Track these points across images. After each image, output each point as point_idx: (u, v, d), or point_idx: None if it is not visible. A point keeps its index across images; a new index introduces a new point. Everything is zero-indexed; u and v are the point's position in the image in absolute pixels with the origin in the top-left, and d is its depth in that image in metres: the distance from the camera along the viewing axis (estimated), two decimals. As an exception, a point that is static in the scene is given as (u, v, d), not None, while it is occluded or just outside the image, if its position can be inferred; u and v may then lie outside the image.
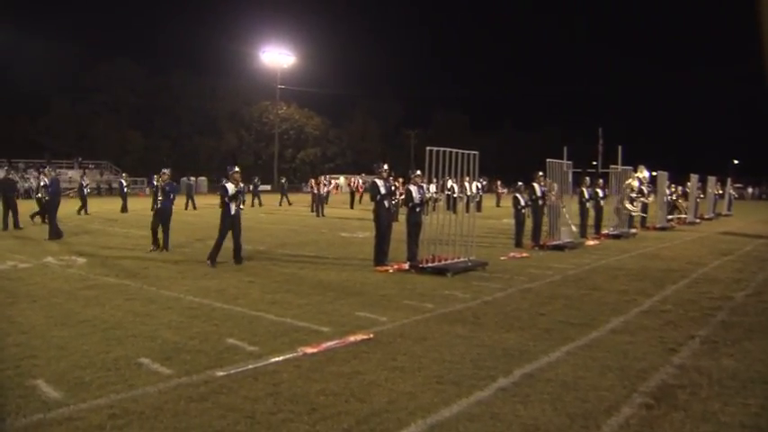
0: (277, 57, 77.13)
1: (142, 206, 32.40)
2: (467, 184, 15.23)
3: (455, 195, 15.91)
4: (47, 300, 9.36)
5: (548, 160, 17.53)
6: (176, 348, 6.72)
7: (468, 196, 15.54)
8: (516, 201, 17.15)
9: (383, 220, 13.31)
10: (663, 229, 23.77)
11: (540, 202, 17.42)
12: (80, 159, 66.57)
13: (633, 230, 21.20)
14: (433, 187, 14.04)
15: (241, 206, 13.30)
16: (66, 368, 6.04)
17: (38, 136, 72.81)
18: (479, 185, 29.76)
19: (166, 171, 15.80)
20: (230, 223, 13.14)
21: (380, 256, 13.21)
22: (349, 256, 14.65)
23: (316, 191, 31.66)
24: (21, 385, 5.56)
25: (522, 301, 9.56)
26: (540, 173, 17.59)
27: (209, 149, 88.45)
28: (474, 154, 13.27)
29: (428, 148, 12.37)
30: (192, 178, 43.49)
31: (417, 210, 13.27)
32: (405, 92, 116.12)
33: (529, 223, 17.21)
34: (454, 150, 12.77)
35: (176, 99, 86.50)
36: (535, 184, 17.47)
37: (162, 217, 15.26)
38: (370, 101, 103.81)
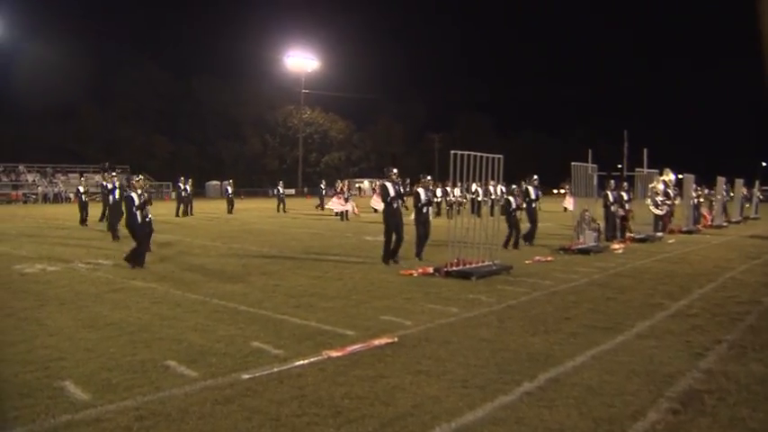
0: (301, 61, 77.67)
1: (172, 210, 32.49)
2: (491, 188, 15.22)
3: (480, 199, 15.92)
4: (74, 303, 9.47)
5: (572, 163, 17.45)
6: (202, 351, 6.77)
7: (492, 200, 15.49)
8: (508, 203, 16.98)
9: (392, 221, 13.87)
10: (689, 232, 23.53)
11: (534, 204, 17.50)
12: (107, 164, 67.22)
13: (659, 234, 21.02)
14: (457, 191, 14.08)
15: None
16: (94, 370, 6.11)
17: (66, 141, 73.62)
18: (504, 189, 29.72)
19: (141, 177, 15.78)
20: (143, 229, 13.44)
21: (387, 254, 13.94)
22: (373, 259, 14.64)
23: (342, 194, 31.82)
24: (49, 386, 5.63)
25: (547, 305, 9.51)
26: (535, 176, 17.56)
27: (233, 154, 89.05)
28: (498, 157, 13.25)
29: (452, 151, 12.38)
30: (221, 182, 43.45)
31: (424, 210, 14.39)
32: (429, 96, 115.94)
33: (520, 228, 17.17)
34: (478, 154, 12.76)
35: (201, 104, 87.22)
36: (530, 187, 17.48)
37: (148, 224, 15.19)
38: (395, 105, 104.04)
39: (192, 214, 31.82)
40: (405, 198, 14.99)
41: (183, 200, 32.04)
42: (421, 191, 14.43)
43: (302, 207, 40.11)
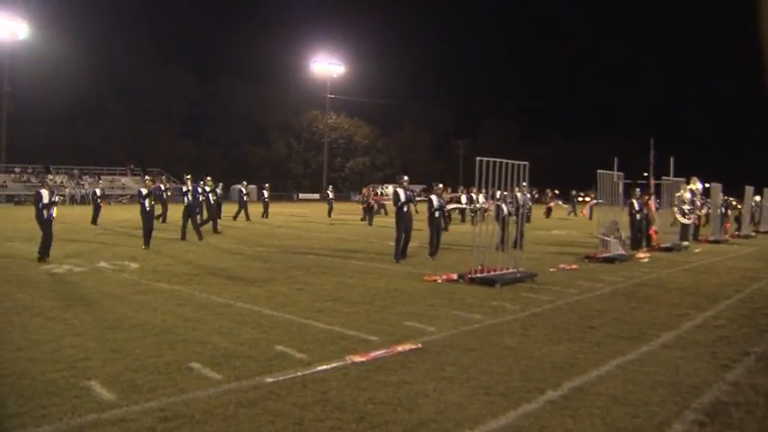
0: (327, 66, 78.07)
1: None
2: (517, 195, 15.32)
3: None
4: (100, 303, 9.57)
5: (598, 171, 17.36)
6: (226, 354, 6.81)
7: (517, 207, 15.52)
8: (499, 209, 16.94)
9: (402, 224, 15.41)
10: (716, 242, 23.30)
11: (522, 210, 17.58)
12: (132, 167, 67.77)
13: (685, 243, 20.84)
14: (482, 197, 14.08)
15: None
16: (120, 370, 6.17)
17: (93, 143, 74.26)
18: (528, 196, 29.66)
19: (148, 178, 18.84)
20: (45, 223, 14.42)
21: (398, 253, 15.45)
22: (397, 265, 14.66)
23: (367, 200, 31.89)
24: (76, 386, 5.70)
25: (571, 314, 9.46)
26: (524, 182, 17.59)
27: (258, 158, 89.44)
28: (524, 164, 13.23)
29: (478, 158, 12.37)
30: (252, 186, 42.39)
31: (437, 215, 16.04)
32: (455, 102, 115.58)
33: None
34: (504, 161, 12.73)
35: (227, 107, 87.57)
36: (518, 194, 17.51)
37: (150, 218, 17.63)
38: (420, 111, 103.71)
39: (248, 219, 31.10)
40: (415, 203, 16.28)
41: (245, 204, 31.30)
42: (433, 197, 16.13)
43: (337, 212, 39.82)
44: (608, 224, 17.24)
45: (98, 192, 28.06)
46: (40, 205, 14.37)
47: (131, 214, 28.43)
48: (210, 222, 23.11)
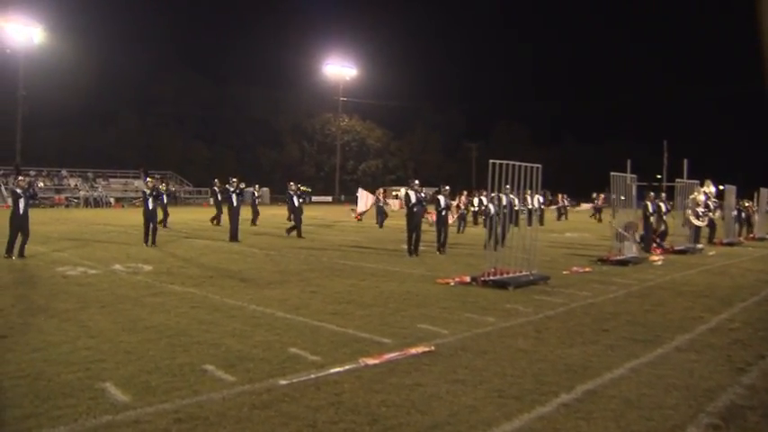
0: (339, 69, 78.23)
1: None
2: (528, 198, 15.38)
3: (517, 208, 16.03)
4: (114, 306, 9.61)
5: (612, 173, 17.30)
6: (240, 356, 6.83)
7: (530, 209, 15.54)
8: (488, 210, 17.06)
9: (412, 223, 17.14)
10: (730, 244, 23.17)
11: (506, 211, 17.68)
12: (144, 170, 67.91)
13: (699, 246, 20.73)
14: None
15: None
16: (134, 372, 6.20)
17: (107, 146, 74.54)
18: (541, 199, 29.65)
19: (150, 179, 20.26)
20: (16, 221, 15.16)
21: (410, 249, 17.21)
22: (410, 268, 14.66)
23: (380, 203, 31.87)
24: (90, 387, 5.73)
25: (584, 317, 9.43)
26: (507, 185, 17.66)
27: (271, 161, 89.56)
28: (537, 167, 13.21)
29: (491, 161, 12.37)
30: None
31: (443, 213, 18.09)
32: (467, 104, 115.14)
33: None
34: (517, 163, 12.72)
35: (240, 111, 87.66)
36: (502, 195, 17.58)
37: (153, 216, 18.90)
38: (432, 113, 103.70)
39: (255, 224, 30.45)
40: (425, 204, 17.71)
41: (294, 207, 29.58)
42: (441, 198, 18.06)
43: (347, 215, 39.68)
44: (627, 224, 17.17)
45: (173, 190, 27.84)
46: (19, 201, 15.20)
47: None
48: (296, 228, 23.42)
